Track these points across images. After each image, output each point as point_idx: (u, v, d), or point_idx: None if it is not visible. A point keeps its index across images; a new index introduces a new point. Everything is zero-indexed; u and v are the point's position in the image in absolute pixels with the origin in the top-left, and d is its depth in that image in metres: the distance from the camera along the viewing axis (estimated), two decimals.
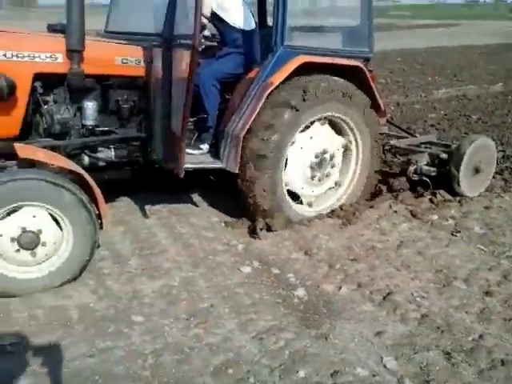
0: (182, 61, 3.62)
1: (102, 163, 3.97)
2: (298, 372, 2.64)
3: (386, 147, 5.52)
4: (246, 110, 4.01)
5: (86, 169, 3.62)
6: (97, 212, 3.31)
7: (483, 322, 3.09)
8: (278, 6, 4.00)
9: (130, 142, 4.09)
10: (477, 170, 4.98)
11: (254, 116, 3.95)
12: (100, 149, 3.96)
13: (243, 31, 4.35)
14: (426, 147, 5.44)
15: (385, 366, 2.70)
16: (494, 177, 5.42)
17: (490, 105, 10.10)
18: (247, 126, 3.96)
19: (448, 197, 4.91)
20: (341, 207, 4.62)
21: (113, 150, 4.00)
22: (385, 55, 20.53)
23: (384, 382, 2.58)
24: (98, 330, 2.99)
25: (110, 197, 4.04)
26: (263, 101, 3.95)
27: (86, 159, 3.89)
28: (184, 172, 3.83)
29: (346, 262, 3.80)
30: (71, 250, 3.27)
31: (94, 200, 3.29)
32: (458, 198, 4.95)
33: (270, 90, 3.96)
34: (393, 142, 5.59)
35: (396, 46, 23.22)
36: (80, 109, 3.84)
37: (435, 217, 4.61)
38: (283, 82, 4.04)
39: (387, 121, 6.06)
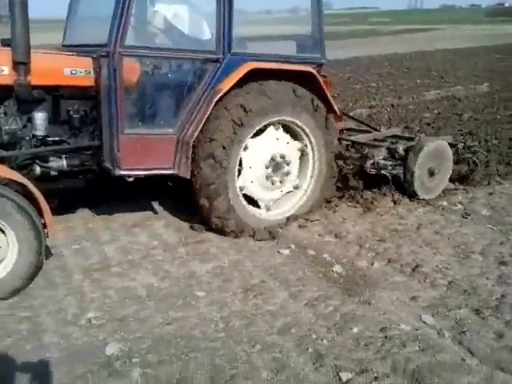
0: (113, 68, 3.75)
1: (53, 173, 4.01)
2: (351, 329, 3.07)
3: (347, 143, 5.50)
4: (195, 116, 4.07)
5: (38, 179, 3.83)
6: (42, 221, 3.40)
7: (502, 285, 3.56)
8: (223, 15, 4.06)
9: (83, 151, 4.16)
10: (431, 173, 5.01)
11: (203, 122, 4.01)
12: (51, 158, 4.00)
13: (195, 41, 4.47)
14: (386, 141, 5.51)
15: (424, 322, 3.14)
16: (491, 166, 5.89)
17: (479, 103, 10.69)
18: (197, 133, 4.01)
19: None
20: (361, 195, 5.00)
21: (64, 159, 4.04)
22: (372, 60, 21.27)
23: (426, 334, 3.01)
24: (167, 304, 3.39)
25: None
26: (212, 107, 4.01)
27: (38, 169, 3.95)
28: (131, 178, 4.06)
29: (373, 242, 4.25)
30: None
31: (39, 209, 3.38)
32: (462, 186, 5.44)
33: (218, 97, 4.02)
34: (354, 137, 5.63)
35: (381, 52, 23.96)
36: (30, 119, 3.92)
37: (445, 203, 5.11)
38: (232, 89, 4.10)
39: (351, 117, 6.57)
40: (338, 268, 3.84)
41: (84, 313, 3.28)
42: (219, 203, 4.14)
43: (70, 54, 4.24)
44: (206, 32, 4.46)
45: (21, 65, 3.60)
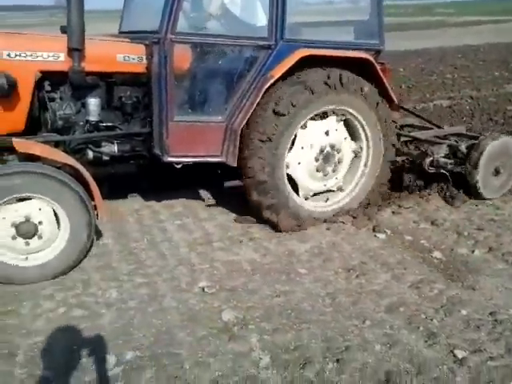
0: (164, 55, 3.71)
1: (105, 158, 4.09)
2: (459, 311, 3.10)
3: (406, 139, 5.32)
4: (244, 103, 3.97)
5: (91, 163, 3.96)
6: (93, 204, 3.51)
7: None
8: (277, 0, 3.93)
9: (134, 137, 4.18)
10: (497, 171, 4.73)
11: (252, 110, 3.92)
12: (104, 144, 4.07)
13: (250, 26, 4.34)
14: (447, 138, 5.20)
15: None
16: None
17: None
18: (245, 121, 3.93)
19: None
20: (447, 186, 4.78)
21: (116, 144, 4.09)
22: (443, 52, 20.59)
23: None
24: (272, 278, 3.54)
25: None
26: (261, 95, 3.91)
27: (90, 154, 4.03)
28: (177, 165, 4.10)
29: (472, 230, 4.22)
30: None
31: (90, 193, 3.49)
32: None
33: (269, 84, 3.90)
34: (414, 133, 5.37)
35: (451, 43, 23.17)
36: (83, 105, 3.98)
37: None
38: (285, 77, 3.99)
39: (412, 112, 6.09)
40: (437, 254, 3.85)
41: (196, 282, 3.49)
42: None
43: (124, 40, 4.25)
44: (262, 18, 4.30)
45: (75, 51, 3.66)
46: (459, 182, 4.77)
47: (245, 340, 2.87)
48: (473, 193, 4.75)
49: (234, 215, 4.55)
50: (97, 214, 3.56)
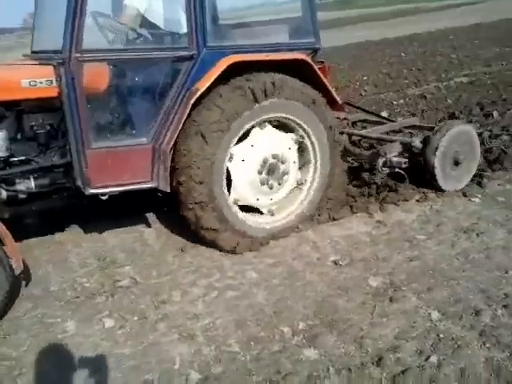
0: (70, 77, 3.32)
1: (22, 196, 3.61)
2: None
3: (355, 138, 5.08)
4: (171, 121, 3.58)
5: (6, 203, 3.54)
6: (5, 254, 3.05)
7: None
8: (195, 2, 3.51)
9: (53, 169, 3.69)
10: (456, 163, 4.44)
11: (179, 128, 3.53)
12: (18, 180, 3.58)
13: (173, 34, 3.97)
14: (405, 133, 5.03)
15: None
16: None
17: None
18: (173, 140, 3.54)
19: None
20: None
21: (33, 179, 3.60)
22: (434, 35, 20.97)
23: None
24: (396, 246, 3.72)
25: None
26: (188, 110, 3.51)
27: (4, 193, 3.54)
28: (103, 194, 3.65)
29: None
30: None
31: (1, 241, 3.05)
32: None
33: (195, 98, 3.49)
34: (364, 131, 5.09)
35: (436, 27, 23.57)
36: None
37: None
38: (212, 88, 3.57)
39: (362, 109, 5.86)
40: None
41: (326, 257, 3.64)
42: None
43: (30, 63, 3.82)
44: (184, 25, 3.73)
45: None
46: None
47: (405, 300, 3.03)
48: (434, 184, 4.46)
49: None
50: (11, 264, 3.08)
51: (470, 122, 6.62)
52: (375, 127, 5.22)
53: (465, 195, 4.45)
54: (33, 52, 4.29)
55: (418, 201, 4.44)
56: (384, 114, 7.80)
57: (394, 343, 2.65)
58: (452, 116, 7.17)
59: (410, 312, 2.91)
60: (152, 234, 4.30)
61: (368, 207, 4.24)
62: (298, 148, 4.07)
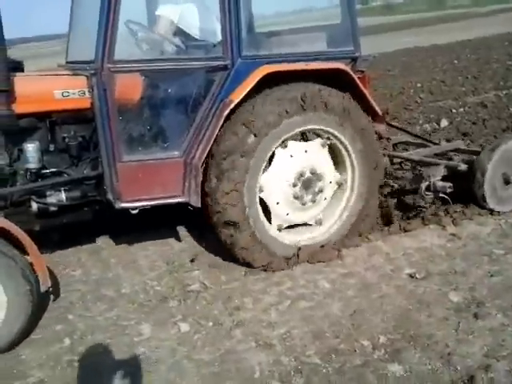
0: (102, 88, 3.28)
1: (53, 208, 3.55)
2: None
3: (398, 160, 4.89)
4: (203, 134, 3.48)
5: (37, 216, 3.49)
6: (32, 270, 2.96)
7: None
8: (230, 11, 3.40)
9: (84, 181, 3.66)
10: (506, 181, 4.21)
11: (212, 141, 3.44)
12: (49, 193, 3.53)
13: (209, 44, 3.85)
14: (447, 156, 4.73)
15: None
16: None
17: None
18: (205, 154, 3.45)
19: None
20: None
21: (64, 192, 3.55)
22: (486, 41, 20.41)
23: None
24: (474, 260, 3.60)
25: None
26: (221, 122, 3.42)
27: (35, 206, 3.50)
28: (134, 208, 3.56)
29: None
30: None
31: (28, 255, 2.96)
32: None
33: (228, 110, 3.41)
34: (406, 153, 4.86)
35: (484, 33, 22.93)
36: (21, 151, 3.46)
37: None
38: (246, 99, 3.47)
39: (403, 129, 5.62)
40: None
41: (400, 269, 3.55)
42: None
43: (63, 73, 3.77)
44: (218, 35, 3.66)
45: (0, 93, 3.20)
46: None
47: (490, 317, 2.91)
48: (481, 205, 4.24)
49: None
50: (40, 285, 2.99)
51: None
52: (417, 150, 4.97)
53: None
54: (67, 62, 4.29)
55: (491, 214, 4.27)
56: (444, 122, 7.67)
57: (484, 361, 2.54)
58: None
59: (496, 330, 2.79)
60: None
61: (441, 220, 4.10)
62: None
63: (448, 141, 6.34)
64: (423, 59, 16.80)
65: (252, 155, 3.44)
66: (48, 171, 3.56)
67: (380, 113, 4.00)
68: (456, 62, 15.21)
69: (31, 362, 2.91)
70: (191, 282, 3.66)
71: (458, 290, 3.21)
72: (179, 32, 3.85)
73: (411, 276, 3.44)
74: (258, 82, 3.45)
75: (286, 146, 3.64)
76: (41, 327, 3.24)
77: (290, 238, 3.79)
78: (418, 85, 11.52)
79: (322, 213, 3.92)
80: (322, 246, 3.78)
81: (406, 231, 4.06)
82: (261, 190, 3.62)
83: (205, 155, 3.47)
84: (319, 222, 3.92)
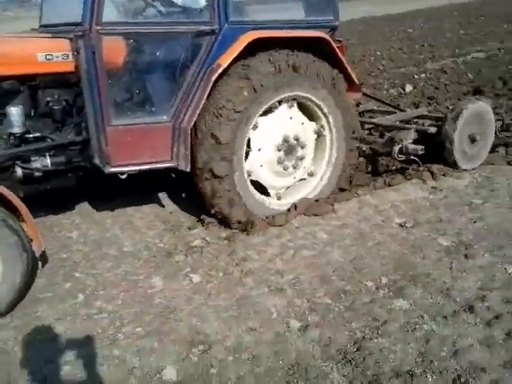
0: (91, 50, 3.23)
1: (38, 174, 3.49)
2: None
3: (369, 126, 5.14)
4: (192, 98, 3.51)
5: (21, 182, 3.42)
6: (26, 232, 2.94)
7: None
8: None
9: (69, 146, 3.60)
10: (473, 140, 4.53)
11: (200, 105, 3.47)
12: (34, 158, 3.47)
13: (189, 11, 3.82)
14: (415, 122, 4.98)
15: None
16: None
17: None
18: (194, 118, 3.48)
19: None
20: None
21: (48, 157, 3.50)
22: (434, 11, 21.01)
23: None
24: (457, 209, 3.90)
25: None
26: (210, 87, 3.46)
27: (19, 171, 3.42)
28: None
29: None
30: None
31: (20, 219, 2.95)
32: None
33: (217, 74, 3.45)
34: (376, 119, 5.13)
35: (435, 3, 23.58)
36: (4, 115, 3.38)
37: None
38: (232, 64, 3.53)
39: (372, 97, 5.88)
40: None
41: (390, 219, 3.82)
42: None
43: (45, 36, 3.67)
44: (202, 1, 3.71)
45: None
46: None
47: (479, 256, 3.21)
48: (450, 162, 4.55)
49: None
50: (32, 246, 3.00)
51: (497, 95, 6.81)
52: (386, 116, 5.22)
53: (509, 164, 4.62)
54: (41, 26, 4.20)
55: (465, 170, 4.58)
56: (408, 87, 7.99)
57: (480, 293, 2.82)
58: (477, 90, 7.32)
59: (486, 267, 3.08)
60: None
61: (422, 174, 4.38)
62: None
63: (415, 105, 6.67)
64: (378, 28, 17.18)
65: (243, 114, 3.55)
66: (31, 136, 3.49)
67: (357, 81, 4.17)
68: (411, 30, 15.65)
69: (49, 318, 2.96)
70: (193, 239, 3.78)
71: (447, 235, 3.50)
72: None
73: (401, 225, 3.71)
74: (244, 47, 3.50)
75: (256, 127, 3.75)
76: (49, 286, 3.28)
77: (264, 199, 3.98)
78: (378, 53, 11.84)
79: (313, 165, 4.15)
80: (316, 201, 3.96)
81: (390, 186, 4.32)
82: (249, 175, 3.80)
83: (194, 119, 3.50)
84: (311, 174, 4.16)
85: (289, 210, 3.92)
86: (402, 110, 5.60)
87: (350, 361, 2.44)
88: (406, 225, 3.69)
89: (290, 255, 3.43)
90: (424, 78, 8.63)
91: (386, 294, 2.95)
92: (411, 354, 2.44)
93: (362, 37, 15.06)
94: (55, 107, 3.50)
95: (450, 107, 5.45)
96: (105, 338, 2.75)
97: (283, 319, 2.80)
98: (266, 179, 3.93)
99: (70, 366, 2.56)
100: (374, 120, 5.18)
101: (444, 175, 4.46)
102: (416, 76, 8.79)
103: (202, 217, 4.02)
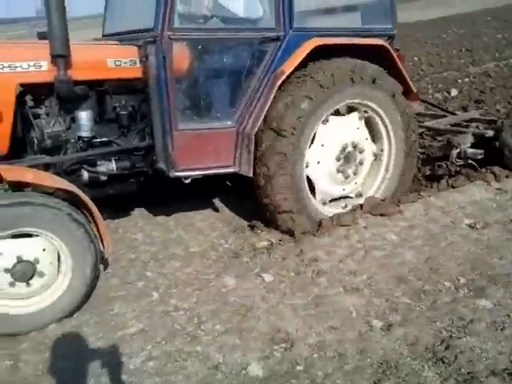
0: (162, 55, 3.30)
1: (103, 177, 3.57)
2: None
3: (422, 129, 5.01)
4: (255, 104, 3.58)
5: (86, 185, 3.48)
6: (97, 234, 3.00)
7: None
8: None
9: (133, 151, 3.69)
10: None
11: (265, 111, 3.53)
12: (100, 162, 3.57)
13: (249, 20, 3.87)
14: (467, 125, 4.86)
15: None
16: None
17: None
18: (258, 123, 3.53)
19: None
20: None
21: (114, 162, 3.59)
22: (467, 17, 20.76)
23: None
24: None
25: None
26: (274, 92, 3.52)
27: (86, 175, 3.51)
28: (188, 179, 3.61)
29: None
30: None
31: (92, 220, 3.02)
32: None
33: (281, 80, 3.52)
34: (430, 123, 5.05)
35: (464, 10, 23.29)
36: (74, 120, 3.48)
37: None
38: (295, 70, 3.59)
39: (423, 100, 5.76)
40: None
41: (459, 221, 3.77)
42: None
43: (113, 43, 3.80)
44: (266, 6, 3.82)
45: (60, 58, 3.17)
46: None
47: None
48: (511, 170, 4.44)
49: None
50: (102, 246, 3.07)
51: None
52: (438, 120, 5.16)
53: None
54: (104, 36, 4.34)
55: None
56: (454, 91, 7.91)
57: None
58: None
59: None
60: None
61: (485, 176, 4.32)
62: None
63: (464, 108, 6.59)
64: (411, 34, 17.06)
65: (305, 122, 3.57)
66: (98, 140, 3.59)
67: (415, 90, 4.18)
68: (445, 36, 15.50)
69: (126, 315, 3.00)
70: (258, 240, 3.80)
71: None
72: (230, 3, 3.84)
73: (471, 226, 3.65)
74: (307, 54, 3.55)
75: (327, 121, 3.79)
76: (122, 285, 3.33)
77: (332, 211, 3.98)
78: (415, 58, 11.75)
79: (362, 186, 4.15)
80: (383, 200, 3.94)
81: (453, 187, 4.26)
82: (306, 166, 3.77)
83: (258, 125, 3.54)
84: (359, 195, 4.15)
85: (354, 209, 3.89)
86: (452, 113, 5.55)
87: (441, 359, 2.40)
88: (477, 226, 3.63)
89: (360, 256, 3.41)
90: (468, 82, 8.53)
91: (466, 293, 2.90)
92: (504, 352, 2.39)
93: (396, 43, 14.94)
94: (122, 113, 3.59)
95: (503, 111, 5.35)
96: (185, 335, 2.77)
97: (364, 318, 2.78)
98: (318, 179, 3.92)
99: (154, 360, 2.59)
100: (429, 124, 5.14)
101: (507, 177, 4.37)
102: (459, 80, 8.70)
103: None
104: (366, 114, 3.97)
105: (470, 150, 4.36)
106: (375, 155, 4.13)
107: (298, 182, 3.68)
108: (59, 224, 2.82)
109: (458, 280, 3.03)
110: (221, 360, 2.56)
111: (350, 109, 3.97)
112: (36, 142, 3.39)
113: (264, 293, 3.11)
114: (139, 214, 4.41)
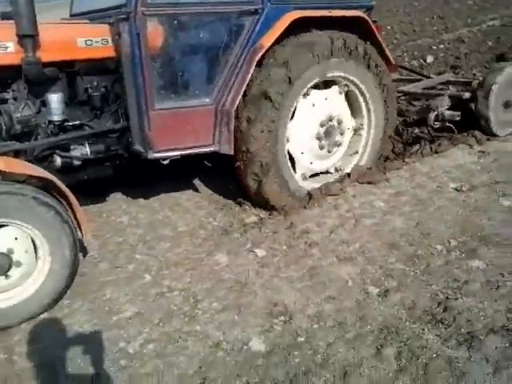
0: (135, 32, 3.14)
1: (77, 162, 3.44)
2: None
3: (399, 94, 4.97)
4: (234, 80, 3.47)
5: (60, 171, 3.33)
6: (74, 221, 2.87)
7: None
8: None
9: (107, 134, 3.56)
10: (507, 105, 4.50)
11: (244, 86, 3.43)
12: (73, 146, 3.43)
13: None
14: (443, 88, 4.96)
15: None
16: None
17: None
18: (238, 100, 3.43)
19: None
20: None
21: (87, 145, 3.46)
22: None
23: None
24: (509, 171, 3.86)
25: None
26: (253, 68, 3.42)
27: (58, 160, 3.37)
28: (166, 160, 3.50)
29: None
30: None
31: (69, 208, 2.88)
32: None
33: (260, 55, 3.42)
34: (406, 87, 5.11)
35: None
36: (44, 103, 3.33)
37: None
38: (273, 44, 3.51)
39: (401, 66, 5.79)
40: None
41: (445, 185, 3.79)
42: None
43: (82, 22, 3.68)
44: None
45: (27, 38, 3.00)
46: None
47: None
48: (487, 131, 4.51)
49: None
50: (81, 233, 2.94)
51: None
52: (411, 85, 5.17)
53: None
54: (72, 15, 4.19)
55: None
56: (429, 58, 7.90)
57: None
58: (501, 57, 7.24)
59: None
60: None
61: (467, 139, 4.34)
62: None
63: (440, 74, 6.59)
64: (383, 4, 16.91)
65: (284, 97, 3.49)
66: (70, 124, 3.44)
67: (393, 61, 4.17)
68: (416, 4, 15.43)
69: (119, 299, 2.94)
70: (246, 216, 3.77)
71: (507, 196, 3.48)
72: None
73: (457, 190, 3.68)
74: (286, 27, 3.47)
75: (307, 95, 3.73)
76: (112, 269, 3.27)
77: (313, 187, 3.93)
78: (388, 27, 11.67)
79: (341, 161, 4.11)
80: (370, 168, 3.93)
81: (437, 152, 4.28)
82: (287, 141, 3.71)
83: (237, 101, 3.44)
84: (339, 169, 4.12)
85: (342, 178, 3.88)
86: (428, 77, 5.54)
87: (440, 321, 2.42)
88: (463, 189, 3.66)
89: (351, 225, 3.41)
90: (443, 48, 8.54)
91: (458, 255, 2.93)
92: (501, 310, 2.42)
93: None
94: (94, 94, 3.44)
95: (480, 75, 5.33)
96: (182, 315, 2.74)
97: (360, 286, 2.78)
98: (298, 154, 3.86)
99: (154, 343, 2.55)
100: (404, 88, 5.11)
101: (488, 139, 4.41)
102: (434, 47, 8.70)
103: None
104: (345, 89, 3.92)
105: (448, 112, 4.37)
106: (354, 130, 4.11)
107: (280, 157, 3.61)
108: (26, 210, 2.66)
109: (449, 243, 3.05)
110: (221, 337, 2.54)
111: (332, 83, 3.91)
112: (4, 127, 3.22)
113: (258, 268, 3.09)
114: (121, 197, 4.32)
